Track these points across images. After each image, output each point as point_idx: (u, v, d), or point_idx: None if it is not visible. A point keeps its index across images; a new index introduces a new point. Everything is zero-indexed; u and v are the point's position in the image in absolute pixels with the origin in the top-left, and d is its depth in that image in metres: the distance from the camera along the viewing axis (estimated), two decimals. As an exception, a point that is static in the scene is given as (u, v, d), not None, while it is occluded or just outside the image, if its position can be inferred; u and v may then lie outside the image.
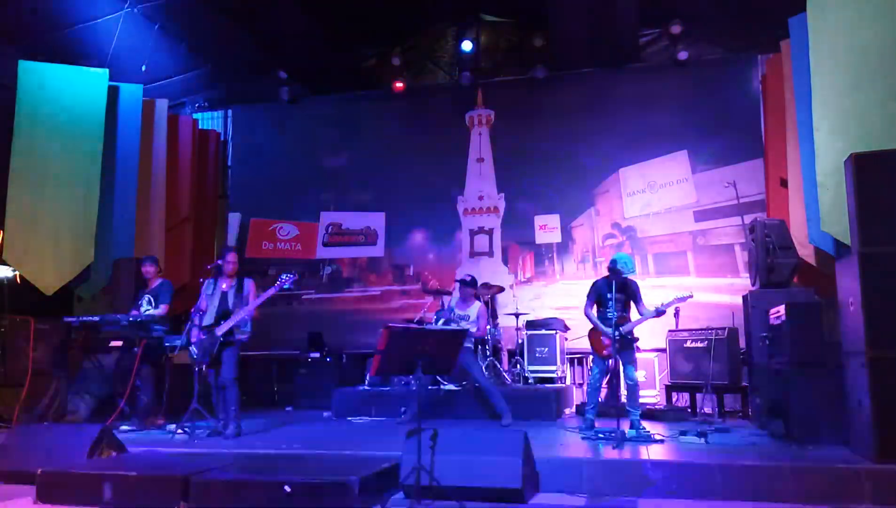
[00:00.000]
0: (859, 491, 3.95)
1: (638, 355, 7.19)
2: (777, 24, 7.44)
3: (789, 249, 6.82)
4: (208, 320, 5.98)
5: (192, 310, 6.07)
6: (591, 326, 5.97)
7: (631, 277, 5.84)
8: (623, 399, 7.07)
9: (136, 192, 8.58)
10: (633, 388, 5.84)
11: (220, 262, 6.10)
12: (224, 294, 6.04)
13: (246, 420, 6.30)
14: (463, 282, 6.81)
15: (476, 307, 6.79)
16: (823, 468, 4.10)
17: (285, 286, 5.96)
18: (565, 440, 5.43)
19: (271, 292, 5.89)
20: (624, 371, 5.87)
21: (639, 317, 5.81)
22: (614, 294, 5.63)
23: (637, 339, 5.92)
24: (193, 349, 5.97)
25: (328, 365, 8.54)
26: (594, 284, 6.01)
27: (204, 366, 5.98)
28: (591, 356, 6.18)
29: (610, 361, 5.91)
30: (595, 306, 5.91)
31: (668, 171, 8.87)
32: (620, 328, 5.66)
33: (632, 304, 5.87)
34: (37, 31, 8.29)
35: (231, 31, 8.88)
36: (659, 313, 5.71)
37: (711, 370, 6.81)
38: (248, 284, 6.14)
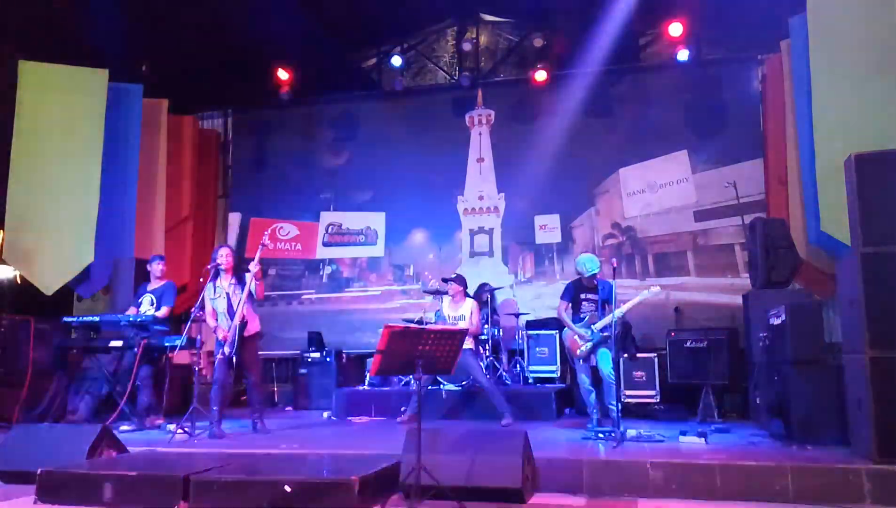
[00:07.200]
0: (859, 491, 3.94)
1: (638, 355, 7.25)
2: (777, 24, 7.45)
3: (789, 249, 6.82)
4: (223, 321, 6.01)
5: (192, 311, 6.06)
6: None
7: (603, 278, 6.08)
8: (624, 398, 7.11)
9: (136, 192, 8.60)
10: (608, 385, 5.83)
11: (218, 263, 6.09)
12: (227, 293, 6.05)
13: (246, 420, 6.31)
14: (448, 280, 6.87)
15: (468, 305, 6.79)
16: (823, 468, 4.09)
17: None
18: (565, 441, 5.43)
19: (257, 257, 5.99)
20: (598, 367, 5.90)
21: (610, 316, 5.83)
22: (586, 295, 5.97)
23: (610, 336, 5.81)
24: (221, 352, 5.94)
25: (328, 365, 8.54)
26: (567, 286, 6.23)
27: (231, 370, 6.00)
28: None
29: (590, 360, 5.97)
30: (570, 307, 6.08)
31: (668, 171, 8.87)
32: (592, 327, 5.86)
33: (607, 305, 5.94)
34: (37, 31, 8.29)
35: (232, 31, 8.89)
36: (622, 313, 5.79)
37: (711, 370, 6.80)
38: (248, 276, 6.09)
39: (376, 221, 9.90)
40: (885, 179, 4.49)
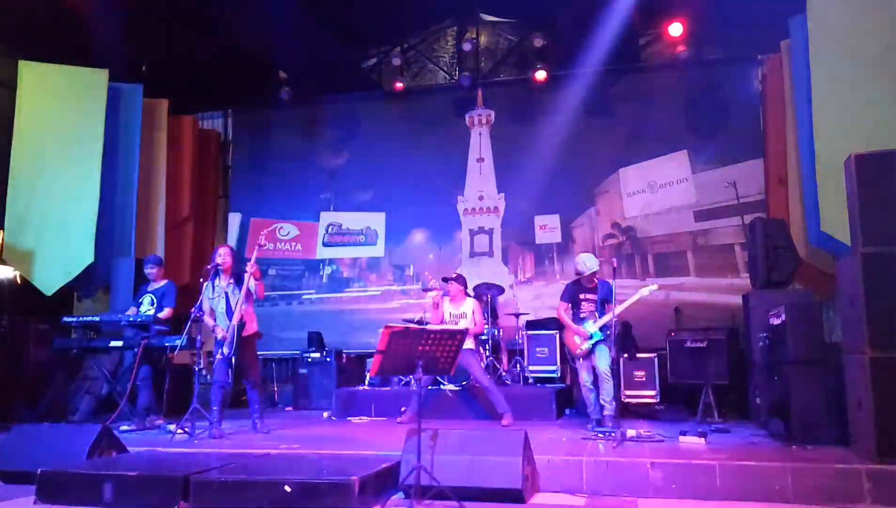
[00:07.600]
0: (859, 491, 3.95)
1: (638, 355, 7.26)
2: (777, 24, 7.45)
3: (789, 249, 6.82)
4: (222, 321, 6.01)
5: (192, 311, 6.05)
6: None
7: (604, 278, 6.14)
8: (624, 398, 7.12)
9: (136, 192, 8.60)
10: (603, 382, 5.83)
11: (217, 263, 6.08)
12: (226, 292, 6.04)
13: (246, 420, 6.31)
14: (448, 279, 6.86)
15: (470, 304, 6.79)
16: (823, 468, 4.09)
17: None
18: (565, 441, 5.42)
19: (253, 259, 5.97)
20: (595, 365, 5.91)
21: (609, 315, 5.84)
22: (585, 295, 6.01)
23: (608, 335, 5.82)
24: (220, 353, 5.95)
25: (328, 365, 8.53)
26: (566, 287, 6.28)
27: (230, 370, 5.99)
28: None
29: (588, 359, 5.97)
30: (570, 308, 6.12)
31: (668, 171, 8.86)
32: (591, 325, 5.92)
33: (606, 305, 5.97)
34: (37, 31, 8.29)
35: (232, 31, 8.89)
36: (615, 314, 5.74)
37: (711, 370, 6.80)
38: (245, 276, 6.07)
39: (376, 221, 9.90)
40: (885, 179, 4.49)
